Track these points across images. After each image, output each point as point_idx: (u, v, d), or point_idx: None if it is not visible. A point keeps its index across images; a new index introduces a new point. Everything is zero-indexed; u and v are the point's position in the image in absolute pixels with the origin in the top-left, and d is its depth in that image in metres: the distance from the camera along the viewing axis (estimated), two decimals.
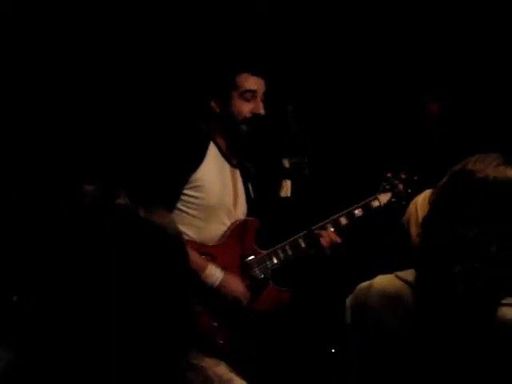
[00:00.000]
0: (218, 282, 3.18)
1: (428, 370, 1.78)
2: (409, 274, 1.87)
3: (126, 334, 1.36)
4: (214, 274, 3.18)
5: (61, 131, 3.84)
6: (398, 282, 1.87)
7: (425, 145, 3.90)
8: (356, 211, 3.42)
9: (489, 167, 1.78)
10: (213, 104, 3.27)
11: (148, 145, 3.43)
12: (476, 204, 1.76)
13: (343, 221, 3.39)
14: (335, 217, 3.40)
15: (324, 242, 3.27)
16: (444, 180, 1.85)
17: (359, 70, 4.28)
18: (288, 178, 3.28)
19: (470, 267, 1.74)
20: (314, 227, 3.28)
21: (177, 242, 1.47)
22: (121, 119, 3.91)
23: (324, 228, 3.34)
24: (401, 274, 1.89)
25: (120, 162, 3.75)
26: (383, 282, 1.91)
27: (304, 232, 3.31)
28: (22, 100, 3.79)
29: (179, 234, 1.49)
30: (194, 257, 3.09)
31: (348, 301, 1.96)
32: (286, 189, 3.28)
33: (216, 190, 3.25)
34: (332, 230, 3.35)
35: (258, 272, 3.31)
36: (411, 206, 2.24)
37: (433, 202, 1.86)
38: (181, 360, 1.40)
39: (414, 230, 2.17)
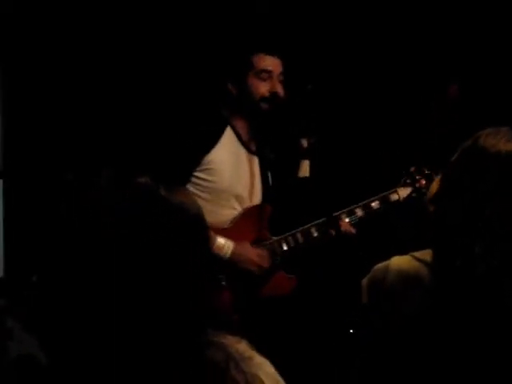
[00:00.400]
0: (230, 252, 3.17)
1: (447, 351, 1.77)
2: (426, 254, 1.86)
3: (145, 310, 1.38)
4: (225, 244, 3.16)
5: (70, 121, 3.86)
6: (416, 263, 1.86)
7: (441, 140, 3.89)
8: (373, 204, 3.37)
9: (500, 142, 1.77)
10: (230, 86, 3.26)
11: (164, 127, 3.44)
12: (490, 180, 1.75)
13: (359, 212, 3.35)
14: (351, 208, 3.36)
15: (338, 232, 3.22)
16: (455, 156, 1.84)
17: (382, 56, 4.25)
18: (306, 158, 3.27)
19: (489, 246, 1.74)
20: (328, 216, 3.24)
21: (198, 219, 1.48)
22: (139, 102, 3.91)
23: (339, 218, 3.30)
24: (417, 254, 1.88)
25: (136, 143, 3.76)
26: (400, 262, 1.89)
27: (318, 221, 3.29)
28: (25, 99, 3.81)
29: (200, 211, 1.50)
30: None
31: (364, 281, 1.94)
32: (305, 169, 3.26)
33: (227, 175, 3.23)
34: (347, 220, 3.32)
35: (267, 259, 3.27)
36: (433, 184, 2.23)
37: (444, 179, 1.85)
38: (199, 336, 1.42)
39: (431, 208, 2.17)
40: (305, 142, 3.25)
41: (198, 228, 1.47)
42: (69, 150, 3.80)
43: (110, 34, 3.86)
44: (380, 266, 1.93)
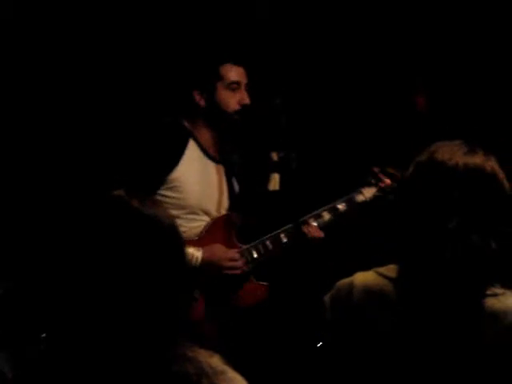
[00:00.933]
0: (200, 258, 3.13)
1: (418, 365, 1.77)
2: (390, 270, 1.86)
3: (116, 320, 1.39)
4: (193, 253, 3.13)
5: (54, 131, 3.84)
6: (380, 279, 1.86)
7: (412, 139, 3.92)
8: (340, 206, 3.39)
9: (457, 155, 1.79)
10: (197, 97, 3.24)
11: (126, 142, 3.39)
12: (451, 193, 1.77)
13: (326, 216, 3.35)
14: (318, 211, 3.36)
15: (305, 237, 3.23)
16: (410, 171, 1.85)
17: (348, 65, 4.29)
18: (276, 172, 3.27)
19: (457, 259, 1.75)
20: (296, 222, 3.25)
21: (171, 230, 1.50)
22: (99, 115, 3.90)
23: (307, 223, 3.30)
24: (381, 269, 1.88)
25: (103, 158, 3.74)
26: (365, 278, 1.89)
27: (286, 227, 3.30)
28: (22, 103, 3.79)
29: (174, 223, 1.52)
30: None
31: (327, 298, 1.93)
32: (275, 182, 3.27)
33: (195, 190, 3.21)
34: (315, 224, 3.32)
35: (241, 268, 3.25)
36: None
37: (402, 196, 1.86)
38: (171, 349, 1.42)
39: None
40: (275, 156, 3.25)
41: (171, 239, 1.49)
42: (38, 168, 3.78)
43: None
44: (343, 282, 1.92)
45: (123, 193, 1.50)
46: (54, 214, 3.56)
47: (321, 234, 3.29)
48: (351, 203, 3.42)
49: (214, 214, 3.30)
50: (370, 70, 4.27)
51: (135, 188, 2.93)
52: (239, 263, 3.23)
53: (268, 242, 3.31)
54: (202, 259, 3.14)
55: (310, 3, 4.22)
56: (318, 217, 3.35)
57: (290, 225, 3.26)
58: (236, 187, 3.41)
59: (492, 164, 1.80)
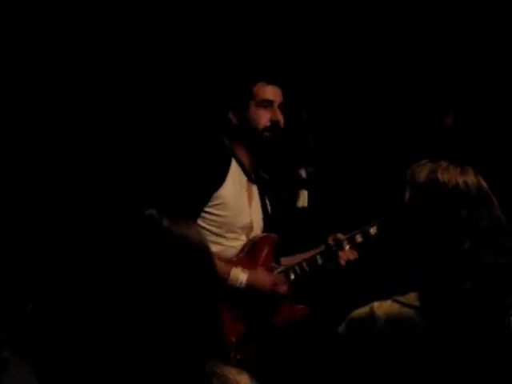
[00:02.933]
0: (244, 282, 3.16)
1: None
2: (411, 298, 1.85)
3: (152, 340, 1.39)
4: (239, 275, 3.16)
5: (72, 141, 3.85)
6: (403, 308, 1.84)
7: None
8: (371, 229, 3.39)
9: (453, 175, 1.83)
10: (230, 116, 3.28)
11: (173, 162, 3.42)
12: (460, 213, 1.79)
13: (359, 238, 3.36)
14: (351, 234, 3.37)
15: (341, 259, 3.26)
16: (409, 195, 1.87)
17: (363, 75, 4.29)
18: (305, 188, 3.27)
19: (478, 280, 1.74)
20: (331, 244, 3.28)
21: (200, 249, 1.50)
22: (145, 135, 3.92)
23: (341, 246, 3.31)
24: (401, 298, 1.87)
25: (146, 178, 3.75)
26: (387, 308, 1.87)
27: (321, 249, 3.31)
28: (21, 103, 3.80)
29: (203, 242, 1.53)
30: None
31: (344, 329, 1.91)
32: (303, 199, 3.26)
33: (236, 209, 3.24)
34: (348, 247, 3.32)
35: (278, 288, 3.27)
36: None
37: (407, 221, 1.86)
38: (205, 366, 1.43)
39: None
40: (303, 172, 3.25)
41: (200, 258, 1.49)
42: (73, 182, 3.80)
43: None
44: (361, 313, 1.89)
45: (155, 212, 1.51)
46: (85, 229, 3.57)
47: (355, 256, 3.31)
48: (383, 227, 3.41)
49: (252, 233, 3.32)
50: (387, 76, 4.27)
51: (184, 207, 3.00)
52: (282, 289, 3.26)
53: (305, 264, 3.32)
54: (247, 282, 3.17)
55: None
56: (351, 239, 3.35)
57: (326, 247, 3.28)
58: (268, 208, 3.43)
59: (482, 180, 1.85)
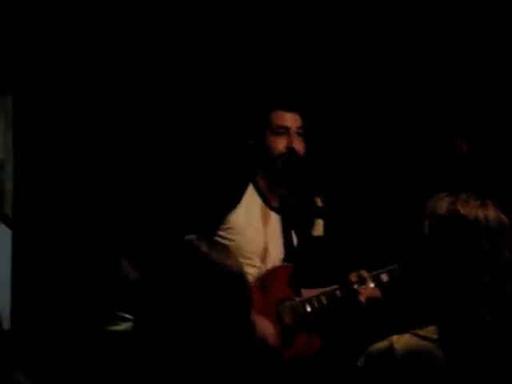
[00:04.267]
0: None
1: None
2: (430, 332, 1.85)
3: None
4: None
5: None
6: (421, 342, 1.84)
7: None
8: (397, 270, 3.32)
9: (472, 208, 1.83)
10: (250, 143, 3.28)
11: (190, 182, 3.44)
12: (482, 246, 1.79)
13: (384, 278, 3.30)
14: (376, 273, 3.30)
15: (362, 297, 3.20)
16: (429, 227, 1.87)
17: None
18: (321, 217, 3.25)
19: (498, 311, 1.74)
20: (352, 281, 3.22)
21: (238, 276, 1.55)
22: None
23: (364, 283, 3.24)
24: (420, 332, 1.86)
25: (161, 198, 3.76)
26: (406, 342, 1.86)
27: (341, 284, 3.27)
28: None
29: (241, 269, 1.58)
30: None
31: (363, 363, 1.89)
32: (319, 228, 3.25)
33: (249, 233, 3.21)
34: (372, 285, 3.25)
35: (289, 319, 3.24)
36: None
37: (426, 255, 1.86)
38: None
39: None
40: (319, 201, 3.23)
41: (238, 284, 1.53)
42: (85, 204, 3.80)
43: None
44: (380, 347, 1.89)
45: (194, 237, 1.55)
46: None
47: (378, 295, 3.25)
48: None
49: (269, 260, 3.29)
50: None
51: (197, 229, 2.97)
52: (272, 340, 3.18)
53: (323, 298, 3.28)
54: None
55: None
56: (375, 278, 3.29)
57: (346, 282, 3.23)
58: (294, 238, 3.39)
59: (502, 215, 1.85)
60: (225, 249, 1.59)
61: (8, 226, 3.67)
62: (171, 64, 3.99)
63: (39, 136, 3.81)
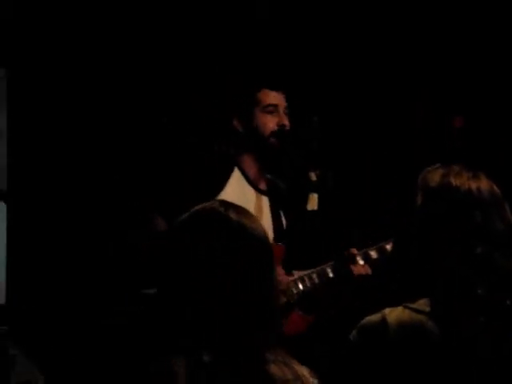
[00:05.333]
0: None
1: None
2: (422, 305, 1.86)
3: (217, 326, 1.46)
4: None
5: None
6: (415, 314, 1.85)
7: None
8: (388, 246, 3.34)
9: (465, 179, 1.83)
10: (236, 124, 3.27)
11: (170, 170, 3.43)
12: (475, 217, 1.79)
13: (374, 255, 3.32)
14: (365, 250, 3.33)
15: (352, 275, 3.23)
16: (421, 200, 1.87)
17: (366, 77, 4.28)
18: (315, 192, 3.25)
19: (491, 284, 1.74)
20: (343, 258, 3.25)
21: (266, 241, 1.55)
22: (144, 136, 3.92)
23: (353, 260, 3.27)
24: (412, 305, 1.87)
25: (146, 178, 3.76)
26: (399, 315, 1.87)
27: (332, 262, 3.29)
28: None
29: (267, 234, 1.56)
30: None
31: (355, 337, 1.89)
32: (313, 202, 3.25)
33: None
34: (362, 263, 3.28)
35: (282, 298, 3.24)
36: None
37: (419, 227, 1.86)
38: (266, 352, 1.50)
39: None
40: (313, 175, 3.23)
41: (266, 249, 1.54)
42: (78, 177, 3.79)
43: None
44: (372, 320, 1.89)
45: (217, 204, 1.54)
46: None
47: (368, 272, 3.27)
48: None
49: None
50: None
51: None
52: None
53: (314, 276, 3.31)
54: None
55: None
56: (365, 255, 3.31)
57: (337, 260, 3.26)
58: (283, 220, 3.40)
59: (494, 186, 1.85)
60: (248, 212, 1.58)
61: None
62: (171, 64, 3.99)
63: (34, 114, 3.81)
